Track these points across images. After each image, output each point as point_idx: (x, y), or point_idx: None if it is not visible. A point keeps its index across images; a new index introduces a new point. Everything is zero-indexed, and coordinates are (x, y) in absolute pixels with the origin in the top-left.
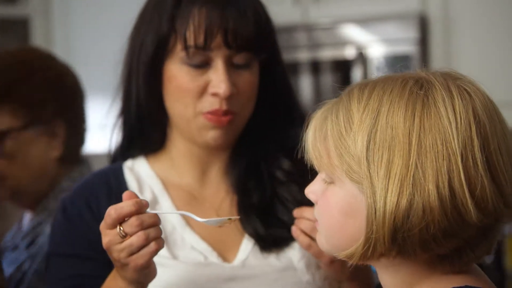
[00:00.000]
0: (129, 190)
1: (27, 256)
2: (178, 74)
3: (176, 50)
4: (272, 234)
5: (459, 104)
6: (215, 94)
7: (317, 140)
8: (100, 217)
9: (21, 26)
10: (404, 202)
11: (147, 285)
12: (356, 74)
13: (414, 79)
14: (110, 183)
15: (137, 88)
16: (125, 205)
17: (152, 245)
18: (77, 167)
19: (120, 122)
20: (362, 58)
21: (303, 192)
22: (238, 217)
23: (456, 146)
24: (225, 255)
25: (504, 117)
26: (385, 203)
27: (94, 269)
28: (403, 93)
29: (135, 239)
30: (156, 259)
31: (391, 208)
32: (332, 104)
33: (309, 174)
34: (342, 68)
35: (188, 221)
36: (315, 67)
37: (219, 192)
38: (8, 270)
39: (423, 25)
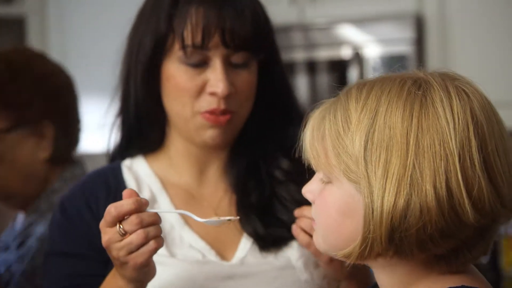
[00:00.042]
0: (129, 188)
1: (17, 256)
2: (176, 74)
3: (174, 50)
4: (271, 233)
5: (457, 105)
6: (213, 94)
7: (314, 139)
8: (99, 216)
9: (17, 25)
10: (401, 202)
11: (147, 283)
12: (352, 74)
13: (412, 79)
14: (109, 182)
15: (136, 87)
16: (125, 203)
17: (152, 244)
18: (70, 168)
19: (118, 121)
20: (358, 58)
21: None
22: (238, 217)
23: (454, 147)
24: (223, 254)
25: (501, 117)
26: (382, 203)
27: (93, 268)
28: (401, 93)
29: (135, 237)
30: (154, 257)
31: (389, 208)
32: (330, 104)
33: (308, 173)
34: (338, 68)
35: (186, 219)
36: (311, 67)
37: (217, 191)
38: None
39: (419, 25)
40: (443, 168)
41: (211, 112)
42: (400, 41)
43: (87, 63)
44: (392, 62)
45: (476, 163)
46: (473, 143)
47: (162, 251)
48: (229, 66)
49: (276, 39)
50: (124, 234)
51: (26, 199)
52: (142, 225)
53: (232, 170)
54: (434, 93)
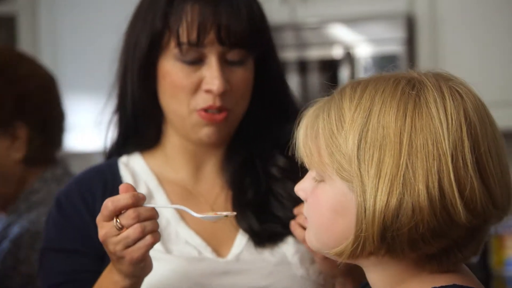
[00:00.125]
0: (126, 183)
1: None
2: (172, 71)
3: (170, 47)
4: (267, 229)
5: (450, 105)
6: (208, 91)
7: (308, 138)
8: (95, 212)
9: (7, 23)
10: (394, 201)
11: (143, 279)
12: (344, 73)
13: (406, 79)
14: (106, 179)
15: (132, 85)
16: (122, 198)
17: (148, 238)
18: (51, 168)
19: (115, 118)
20: (349, 57)
21: None
22: (234, 213)
23: (447, 147)
24: (219, 250)
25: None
26: (375, 202)
27: (89, 264)
28: (395, 93)
29: (131, 232)
30: (150, 253)
31: (381, 207)
32: (324, 103)
33: (301, 171)
34: (330, 67)
35: (182, 215)
36: (303, 66)
37: (214, 188)
38: None
39: (410, 25)
40: (435, 168)
41: (207, 109)
42: (391, 41)
43: (78, 61)
44: (383, 62)
45: (469, 164)
46: (466, 143)
47: (158, 246)
48: (224, 63)
49: (272, 36)
50: (121, 229)
51: (5, 200)
52: (139, 220)
53: (228, 167)
54: (428, 93)
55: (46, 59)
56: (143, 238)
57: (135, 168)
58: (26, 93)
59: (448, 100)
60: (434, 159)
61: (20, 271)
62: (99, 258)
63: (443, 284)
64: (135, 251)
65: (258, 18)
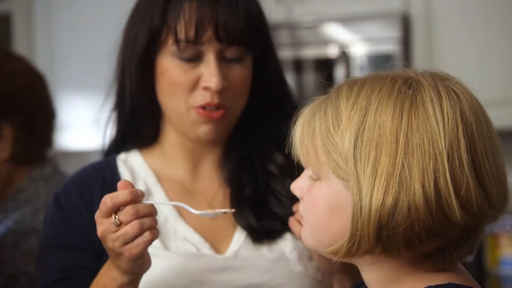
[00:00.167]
0: (124, 179)
1: None
2: (170, 68)
3: (168, 44)
4: (265, 226)
5: (447, 105)
6: (206, 88)
7: (304, 136)
8: (94, 209)
9: (3, 22)
10: (389, 200)
11: (142, 275)
12: (339, 73)
13: (403, 78)
14: (104, 176)
15: (131, 82)
16: (120, 194)
17: (147, 235)
18: (39, 167)
19: (114, 116)
20: (345, 57)
21: None
22: (233, 210)
23: (443, 146)
24: (217, 247)
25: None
26: (371, 200)
27: (87, 260)
28: (391, 92)
29: (130, 228)
30: (148, 249)
31: (377, 206)
32: (321, 101)
33: (298, 169)
34: (325, 66)
35: (181, 212)
36: (298, 65)
37: (212, 185)
38: None
39: (406, 25)
40: (431, 167)
41: (205, 107)
42: (386, 40)
43: (73, 60)
44: (379, 61)
45: (465, 163)
46: (462, 143)
47: (156, 243)
48: (222, 60)
49: (271, 33)
50: (119, 225)
51: None
52: (138, 216)
53: (227, 164)
54: (425, 93)
55: (42, 58)
56: (142, 235)
57: (133, 165)
58: (11, 93)
59: (444, 100)
60: (430, 158)
61: (4, 271)
62: (98, 254)
63: (439, 283)
64: (133, 248)
65: (256, 16)
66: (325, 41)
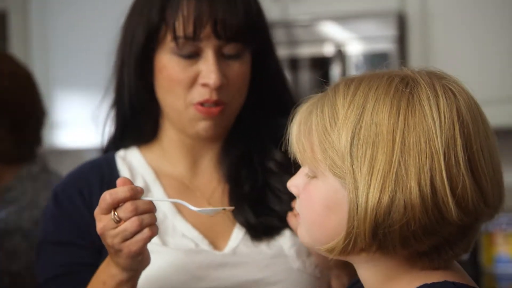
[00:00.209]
0: (123, 177)
1: None
2: (168, 65)
3: (166, 41)
4: (263, 222)
5: (443, 103)
6: (205, 85)
7: (301, 134)
8: (92, 205)
9: None
10: (386, 198)
11: (141, 272)
12: (335, 71)
13: (400, 76)
14: (103, 172)
15: (129, 79)
16: (120, 191)
17: (146, 232)
18: (27, 165)
19: (112, 113)
20: (340, 55)
21: None
22: (232, 207)
23: (439, 145)
24: (216, 243)
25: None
26: (367, 198)
27: (85, 257)
28: (388, 90)
29: (129, 225)
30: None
31: (373, 204)
32: (318, 99)
33: (295, 166)
34: (321, 65)
35: (179, 209)
36: (294, 64)
37: (211, 182)
38: None
39: (401, 23)
40: (428, 166)
41: (203, 103)
42: (382, 38)
43: (69, 58)
44: (375, 59)
45: (461, 162)
46: (459, 142)
47: (154, 239)
48: (221, 57)
49: (269, 30)
50: (119, 221)
51: None
52: (137, 212)
53: (225, 160)
54: (421, 91)
55: (37, 56)
56: (141, 232)
57: (132, 162)
58: None
59: (441, 98)
60: (426, 157)
61: None
62: (97, 251)
63: (435, 280)
64: (133, 244)
65: (254, 12)
66: (321, 40)
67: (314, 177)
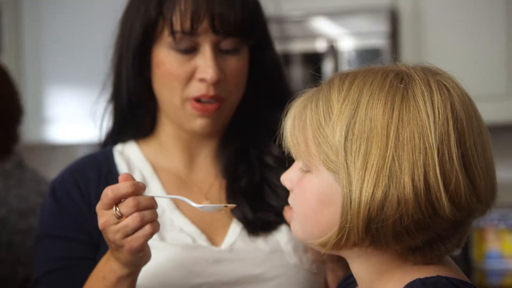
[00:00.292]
0: (125, 173)
1: None
2: (166, 60)
3: (164, 36)
4: (260, 218)
5: (437, 99)
6: (202, 80)
7: (295, 128)
8: (90, 200)
9: None
10: (379, 193)
11: (141, 268)
12: (327, 67)
13: (394, 72)
14: (100, 166)
15: (127, 73)
16: (122, 186)
17: (147, 228)
18: (1, 163)
19: (110, 107)
20: (333, 51)
21: None
22: (234, 205)
23: (433, 140)
24: (213, 239)
25: None
26: (360, 193)
27: (83, 251)
28: (383, 86)
29: (130, 221)
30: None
31: (366, 198)
32: (312, 93)
33: (293, 160)
34: (313, 61)
35: (177, 204)
36: (286, 59)
37: (208, 177)
38: None
39: (394, 19)
40: (421, 161)
41: (200, 98)
42: (374, 34)
43: (61, 53)
44: (367, 55)
45: (454, 158)
46: (452, 137)
47: None
48: (218, 52)
49: (267, 25)
50: (120, 217)
51: None
52: (138, 208)
53: (223, 156)
54: (416, 87)
55: (29, 51)
56: (142, 228)
57: (130, 156)
58: None
59: (435, 94)
60: (420, 152)
61: None
62: (94, 245)
63: (428, 275)
64: (134, 240)
65: (252, 7)
66: (313, 35)
67: (308, 171)
